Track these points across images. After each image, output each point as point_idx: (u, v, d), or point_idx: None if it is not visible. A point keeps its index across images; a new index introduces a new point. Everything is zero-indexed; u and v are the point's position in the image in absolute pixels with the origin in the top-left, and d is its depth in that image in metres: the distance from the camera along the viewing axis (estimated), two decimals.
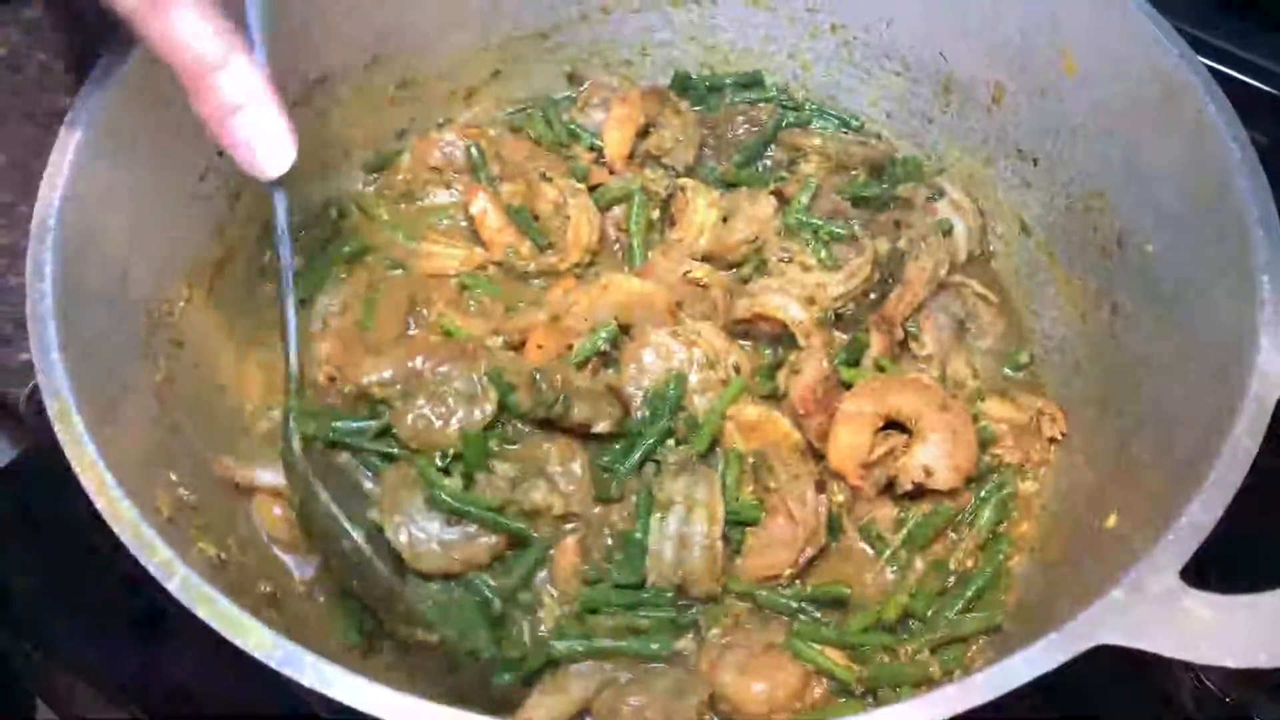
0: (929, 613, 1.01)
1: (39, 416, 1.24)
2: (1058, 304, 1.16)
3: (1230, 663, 0.68)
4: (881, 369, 1.11)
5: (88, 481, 0.74)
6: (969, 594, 1.01)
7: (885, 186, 1.24)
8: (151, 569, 0.70)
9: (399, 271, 1.20)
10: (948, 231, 1.21)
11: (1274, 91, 1.38)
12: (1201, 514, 0.74)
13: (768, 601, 1.00)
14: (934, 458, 1.04)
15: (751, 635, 0.99)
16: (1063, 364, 1.14)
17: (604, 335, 1.09)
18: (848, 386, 1.09)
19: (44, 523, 1.13)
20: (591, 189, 1.22)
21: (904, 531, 1.05)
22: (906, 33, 1.23)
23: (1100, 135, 1.08)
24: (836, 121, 1.32)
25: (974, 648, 1.00)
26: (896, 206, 1.22)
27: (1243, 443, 0.77)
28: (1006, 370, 1.18)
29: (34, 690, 1.29)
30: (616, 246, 1.22)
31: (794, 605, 1.00)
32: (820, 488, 1.03)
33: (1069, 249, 1.14)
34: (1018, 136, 1.18)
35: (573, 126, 1.28)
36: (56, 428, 0.77)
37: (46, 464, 1.11)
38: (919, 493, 1.05)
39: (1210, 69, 1.34)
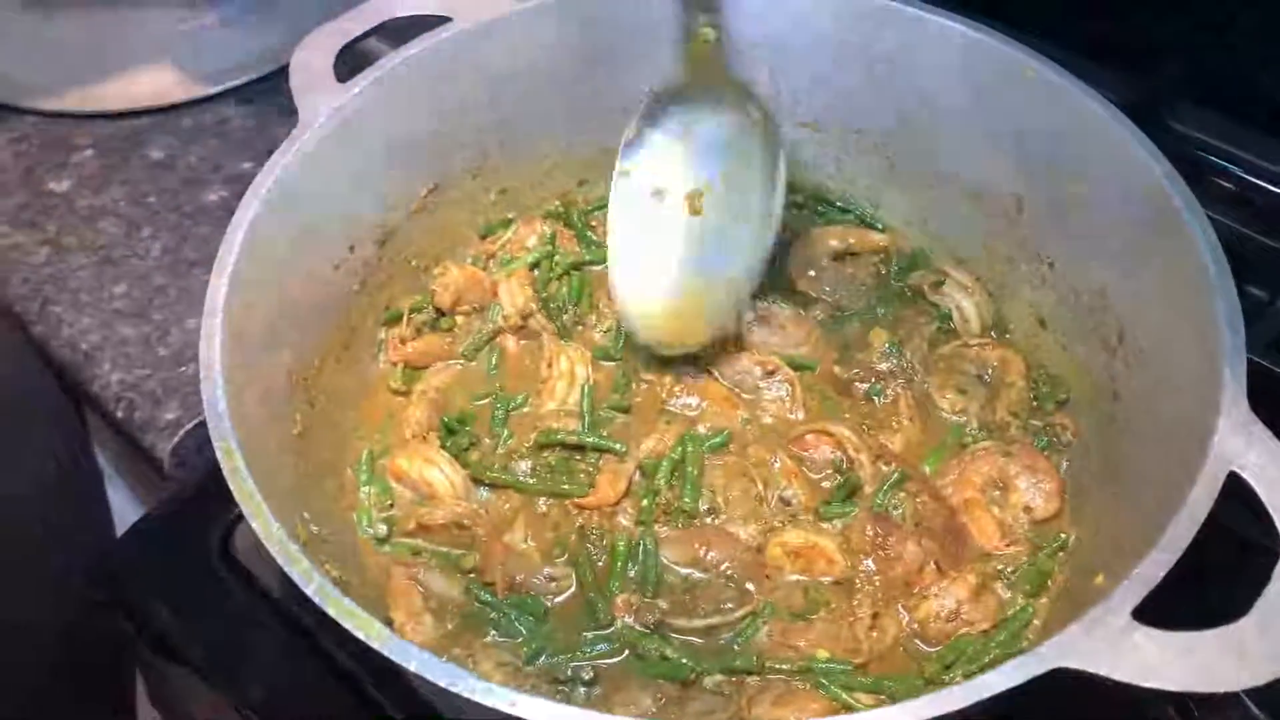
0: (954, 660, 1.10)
1: (180, 468, 1.44)
2: (1070, 392, 1.29)
3: (1170, 687, 0.81)
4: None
5: (247, 509, 0.92)
6: (994, 644, 1.11)
7: (896, 280, 1.40)
8: (294, 577, 0.87)
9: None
10: (948, 317, 1.36)
11: None
12: (1153, 567, 0.87)
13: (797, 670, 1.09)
14: (1030, 496, 1.19)
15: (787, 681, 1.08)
16: (1076, 445, 1.27)
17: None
18: None
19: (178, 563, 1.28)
20: None
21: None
22: (945, 151, 1.38)
23: (1105, 244, 1.23)
24: (856, 217, 1.48)
25: None
26: (913, 297, 1.37)
27: (1196, 508, 0.90)
28: (1048, 409, 1.28)
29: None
30: None
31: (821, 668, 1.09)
32: (876, 619, 1.10)
33: (1080, 343, 1.27)
34: (1037, 242, 1.33)
35: None
36: (224, 467, 0.94)
37: (182, 512, 1.29)
38: None
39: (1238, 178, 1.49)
